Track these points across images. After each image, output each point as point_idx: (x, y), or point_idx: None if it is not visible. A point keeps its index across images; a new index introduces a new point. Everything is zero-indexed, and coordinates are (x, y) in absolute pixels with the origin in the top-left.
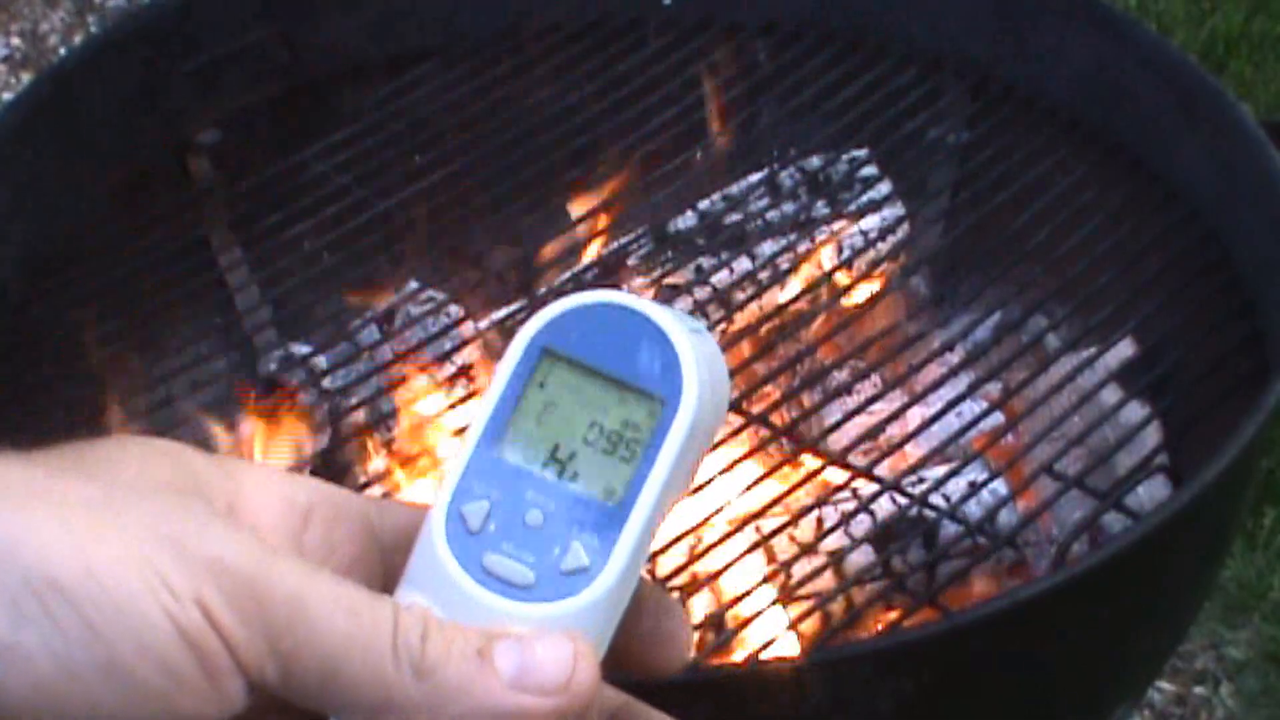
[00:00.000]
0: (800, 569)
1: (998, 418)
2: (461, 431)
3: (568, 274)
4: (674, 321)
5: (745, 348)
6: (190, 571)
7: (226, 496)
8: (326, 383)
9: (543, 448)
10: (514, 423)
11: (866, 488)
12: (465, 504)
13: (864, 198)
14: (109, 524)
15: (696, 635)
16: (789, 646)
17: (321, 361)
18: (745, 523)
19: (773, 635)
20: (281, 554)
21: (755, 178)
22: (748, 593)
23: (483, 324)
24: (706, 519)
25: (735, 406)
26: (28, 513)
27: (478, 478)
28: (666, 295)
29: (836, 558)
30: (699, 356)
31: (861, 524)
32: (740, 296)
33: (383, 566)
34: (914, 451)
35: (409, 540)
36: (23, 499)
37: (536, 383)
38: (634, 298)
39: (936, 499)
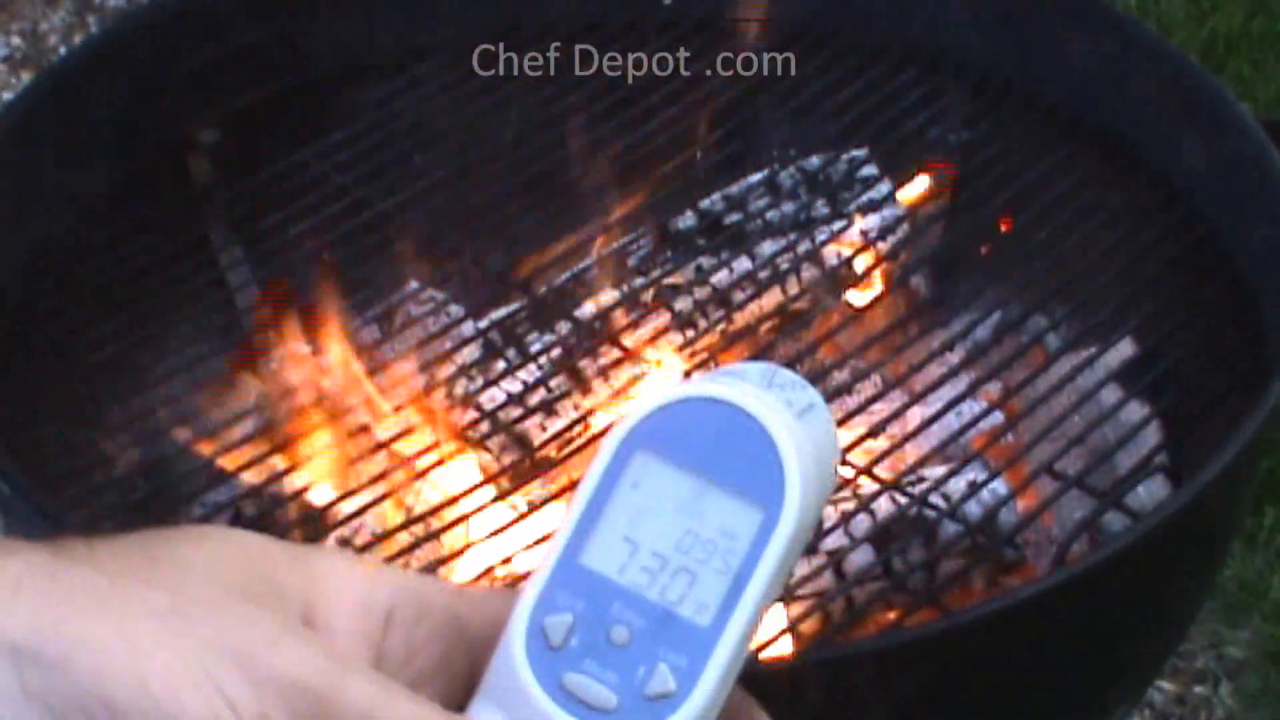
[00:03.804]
0: (800, 569)
1: (998, 417)
2: (463, 429)
3: (568, 274)
4: (778, 414)
5: (745, 348)
6: (257, 689)
7: (304, 598)
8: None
9: (632, 556)
10: (603, 527)
11: (867, 487)
12: (547, 616)
13: (864, 198)
14: (173, 636)
15: None
16: (789, 646)
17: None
18: None
19: (773, 635)
20: (354, 669)
21: (755, 178)
22: None
23: (483, 324)
24: None
25: None
26: (88, 622)
27: (562, 587)
28: (667, 296)
29: (836, 558)
30: (804, 453)
31: (861, 524)
32: (740, 296)
33: (468, 663)
34: (914, 451)
35: (499, 634)
36: (85, 606)
37: (628, 484)
38: (737, 389)
39: (936, 499)
